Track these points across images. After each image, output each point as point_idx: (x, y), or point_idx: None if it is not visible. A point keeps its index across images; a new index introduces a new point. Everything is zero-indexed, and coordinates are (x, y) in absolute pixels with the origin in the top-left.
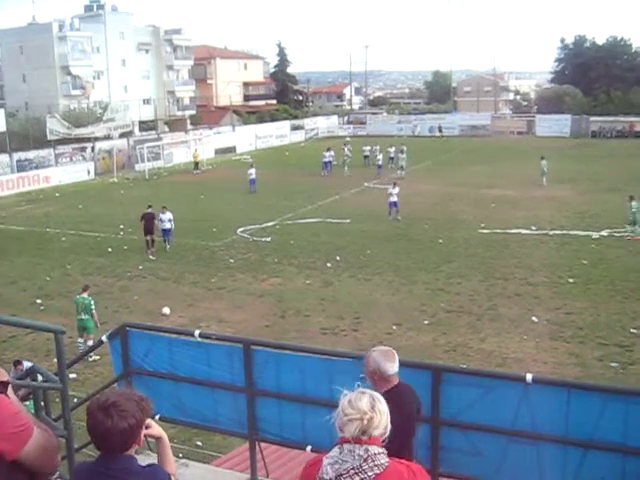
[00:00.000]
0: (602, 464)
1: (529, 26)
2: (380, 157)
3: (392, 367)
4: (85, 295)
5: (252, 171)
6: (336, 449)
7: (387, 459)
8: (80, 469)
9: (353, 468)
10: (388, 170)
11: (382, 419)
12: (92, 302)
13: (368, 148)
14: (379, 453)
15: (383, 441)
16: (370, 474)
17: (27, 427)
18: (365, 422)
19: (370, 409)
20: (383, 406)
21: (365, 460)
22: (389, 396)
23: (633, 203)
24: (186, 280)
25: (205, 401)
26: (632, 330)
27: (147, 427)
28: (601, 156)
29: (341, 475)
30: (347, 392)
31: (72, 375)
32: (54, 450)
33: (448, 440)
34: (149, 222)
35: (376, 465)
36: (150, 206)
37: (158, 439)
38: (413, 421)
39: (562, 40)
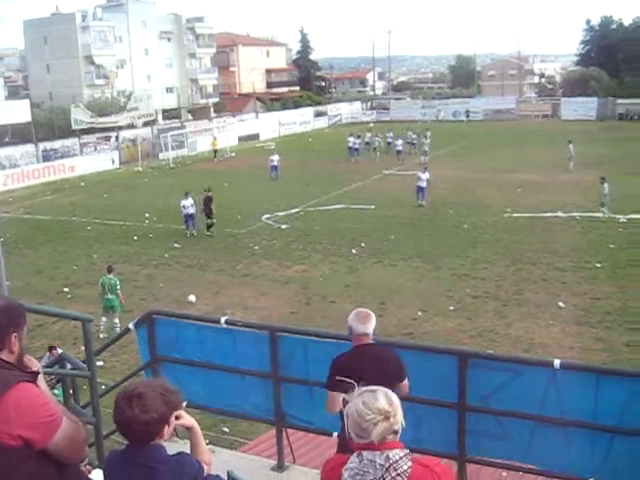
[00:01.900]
0: (630, 449)
1: (554, 7)
2: (399, 142)
3: (361, 327)
4: (111, 276)
5: (274, 157)
6: (355, 458)
7: (409, 463)
8: (110, 457)
9: None
10: (412, 156)
11: (400, 411)
12: (118, 282)
13: (391, 135)
14: (401, 458)
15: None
16: None
17: (56, 417)
18: (391, 420)
19: (389, 405)
20: (396, 398)
21: (387, 470)
22: (357, 351)
23: (605, 185)
24: (211, 268)
25: (232, 388)
26: None
27: (178, 418)
28: (628, 139)
29: None
30: (346, 395)
31: (99, 363)
32: (82, 441)
33: (475, 425)
34: (206, 205)
35: (399, 474)
36: (208, 189)
37: (189, 429)
38: (368, 381)
39: (588, 21)
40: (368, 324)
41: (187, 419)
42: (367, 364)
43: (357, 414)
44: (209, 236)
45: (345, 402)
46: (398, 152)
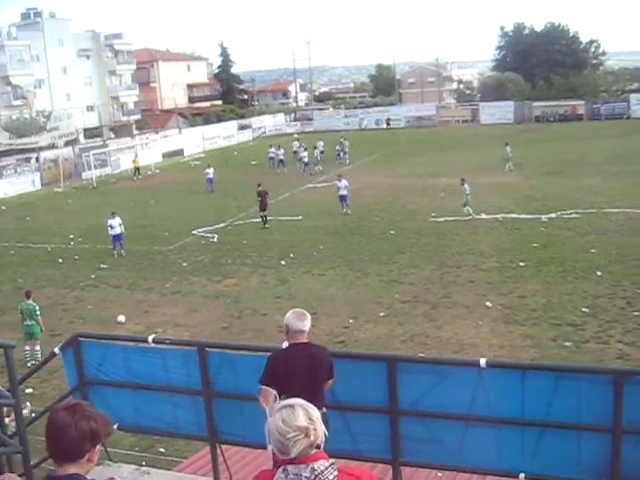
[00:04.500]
0: (558, 442)
1: (469, 15)
2: (305, 154)
3: (298, 324)
4: (30, 301)
5: (209, 170)
6: (281, 474)
7: (335, 473)
8: None
9: None
10: (336, 165)
11: (320, 424)
12: (37, 308)
13: (322, 143)
14: (326, 468)
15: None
16: None
17: None
18: (311, 437)
19: (309, 421)
20: (315, 411)
21: None
22: (292, 349)
23: (465, 186)
24: (140, 286)
25: (163, 407)
26: (583, 309)
27: None
28: (545, 140)
29: None
30: (268, 409)
31: (29, 390)
32: None
33: (407, 429)
34: (264, 199)
35: None
36: (260, 184)
37: None
38: (300, 378)
39: (502, 28)
40: (305, 321)
41: None
42: (301, 363)
43: (277, 432)
44: (265, 229)
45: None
46: (305, 164)
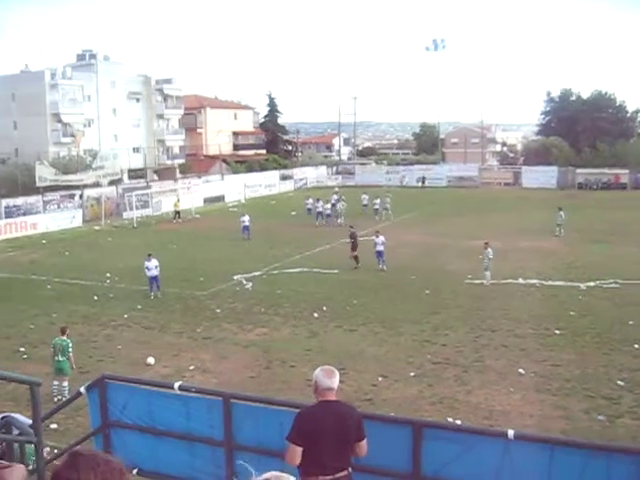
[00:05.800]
0: None
1: (515, 79)
2: (328, 206)
3: (327, 381)
4: (64, 337)
5: (245, 218)
6: None
7: None
8: None
9: None
10: (374, 221)
11: None
12: (70, 345)
13: (367, 197)
14: None
15: None
16: None
17: None
18: None
19: None
20: (291, 478)
21: None
22: (321, 406)
23: (489, 250)
24: (171, 329)
25: (184, 455)
26: (619, 382)
27: None
28: (587, 207)
29: None
30: None
31: (53, 425)
32: None
33: None
34: (355, 240)
35: None
36: (351, 226)
37: None
38: (329, 437)
39: (548, 93)
40: (333, 379)
41: None
42: (331, 421)
43: None
44: (356, 268)
45: None
46: (327, 216)
